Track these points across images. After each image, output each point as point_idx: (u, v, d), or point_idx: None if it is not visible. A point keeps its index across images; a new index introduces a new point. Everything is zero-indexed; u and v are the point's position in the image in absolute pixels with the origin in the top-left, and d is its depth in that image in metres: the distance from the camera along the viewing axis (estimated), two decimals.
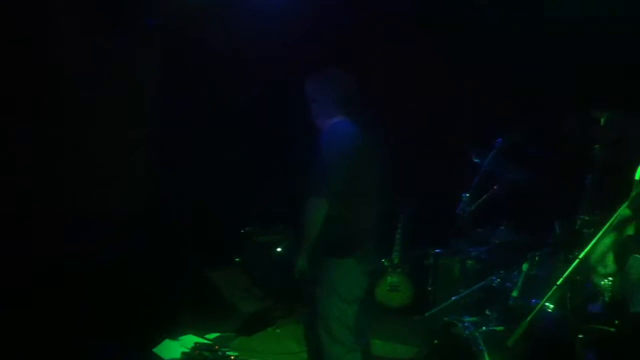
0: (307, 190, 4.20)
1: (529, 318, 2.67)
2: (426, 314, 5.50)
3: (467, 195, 5.26)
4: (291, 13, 6.56)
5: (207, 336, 5.79)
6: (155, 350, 5.37)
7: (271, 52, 6.74)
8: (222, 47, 6.72)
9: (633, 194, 2.86)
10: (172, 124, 6.63)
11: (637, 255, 2.94)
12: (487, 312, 4.75)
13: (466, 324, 4.52)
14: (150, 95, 6.62)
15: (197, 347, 5.20)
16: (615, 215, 2.80)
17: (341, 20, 6.87)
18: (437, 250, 6.22)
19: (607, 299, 3.18)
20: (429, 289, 6.20)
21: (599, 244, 2.96)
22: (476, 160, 5.25)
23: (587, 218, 4.00)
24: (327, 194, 4.14)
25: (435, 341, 4.73)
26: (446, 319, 4.79)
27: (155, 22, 5.44)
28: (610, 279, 3.04)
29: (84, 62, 6.02)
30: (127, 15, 6.07)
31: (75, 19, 5.95)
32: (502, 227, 5.35)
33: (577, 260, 2.75)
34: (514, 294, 4.55)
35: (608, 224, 2.78)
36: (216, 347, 5.25)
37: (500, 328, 4.48)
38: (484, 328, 4.48)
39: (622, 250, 3.04)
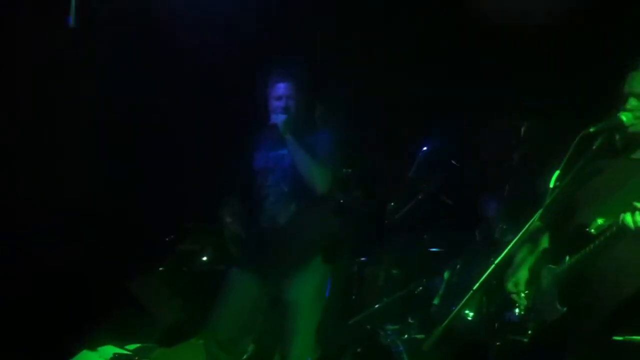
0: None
1: (445, 323, 2.69)
2: (349, 322, 5.50)
3: (393, 204, 5.30)
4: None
5: (127, 347, 5.66)
6: None
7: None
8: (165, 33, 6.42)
9: (547, 202, 2.89)
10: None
11: (550, 266, 2.99)
12: (409, 320, 4.79)
13: (388, 332, 4.56)
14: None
15: (116, 358, 5.10)
16: (528, 224, 2.84)
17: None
18: (362, 259, 6.22)
19: (521, 311, 3.24)
20: (353, 297, 6.20)
21: (514, 257, 3.02)
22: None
23: (505, 227, 4.08)
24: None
25: (358, 349, 4.74)
26: (369, 327, 4.82)
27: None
28: (525, 292, 3.09)
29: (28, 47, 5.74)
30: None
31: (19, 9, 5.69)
32: (426, 236, 5.40)
33: (493, 266, 2.78)
34: (436, 301, 4.62)
35: (521, 232, 2.82)
36: (136, 358, 5.16)
37: (422, 336, 4.53)
38: (405, 336, 4.53)
39: (536, 265, 3.10)
